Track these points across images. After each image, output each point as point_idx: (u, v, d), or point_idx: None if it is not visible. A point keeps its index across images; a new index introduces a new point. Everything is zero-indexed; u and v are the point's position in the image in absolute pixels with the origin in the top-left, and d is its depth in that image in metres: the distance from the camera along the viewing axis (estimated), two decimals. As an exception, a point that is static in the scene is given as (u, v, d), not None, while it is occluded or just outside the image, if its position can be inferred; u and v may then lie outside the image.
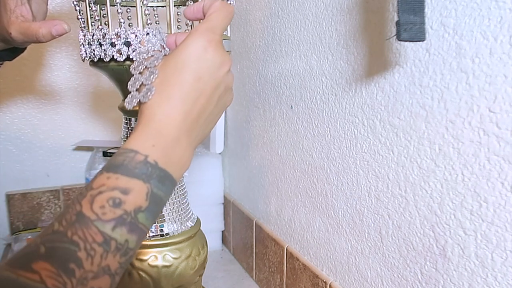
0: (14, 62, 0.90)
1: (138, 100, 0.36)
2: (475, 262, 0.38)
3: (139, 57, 0.39)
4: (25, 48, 0.58)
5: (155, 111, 0.35)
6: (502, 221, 0.35)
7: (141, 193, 0.32)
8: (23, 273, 0.28)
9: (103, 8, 0.58)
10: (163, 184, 0.34)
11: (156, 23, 0.61)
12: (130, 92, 0.37)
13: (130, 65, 0.49)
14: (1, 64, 0.60)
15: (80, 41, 0.53)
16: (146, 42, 0.46)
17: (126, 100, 0.37)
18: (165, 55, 0.39)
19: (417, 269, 0.44)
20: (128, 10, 0.58)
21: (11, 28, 0.49)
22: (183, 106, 0.36)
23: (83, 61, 0.54)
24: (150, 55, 0.38)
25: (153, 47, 0.45)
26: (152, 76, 0.36)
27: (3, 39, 0.52)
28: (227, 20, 0.39)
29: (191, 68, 0.36)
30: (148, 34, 0.47)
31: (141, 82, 0.36)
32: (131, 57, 0.48)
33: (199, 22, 0.43)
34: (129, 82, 0.38)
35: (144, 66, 0.37)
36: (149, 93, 0.35)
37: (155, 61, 0.37)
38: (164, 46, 0.45)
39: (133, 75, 0.38)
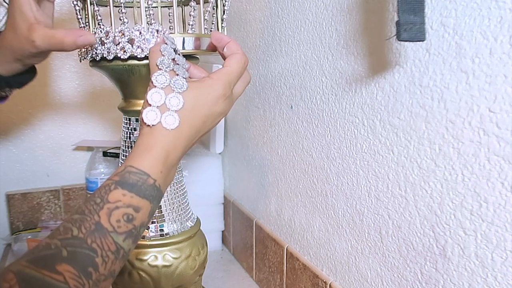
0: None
1: (159, 121, 0.40)
2: (475, 262, 0.38)
3: (162, 65, 0.42)
4: (35, 74, 0.58)
5: (167, 138, 0.40)
6: (502, 221, 0.35)
7: (147, 211, 0.38)
8: (48, 273, 0.31)
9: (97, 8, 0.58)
10: (158, 203, 0.40)
11: (159, 22, 0.61)
12: (148, 103, 0.40)
13: (130, 65, 0.50)
14: (10, 92, 0.58)
15: None
16: (165, 40, 0.46)
17: (145, 113, 0.40)
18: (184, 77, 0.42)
19: (417, 269, 0.44)
20: (124, 11, 0.58)
21: (34, 36, 0.47)
22: (187, 142, 0.42)
23: (80, 61, 0.54)
24: (173, 69, 0.42)
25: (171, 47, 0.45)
26: (178, 104, 0.41)
27: (19, 56, 0.50)
28: (243, 71, 0.46)
29: (202, 114, 0.42)
30: (158, 31, 0.48)
31: (163, 102, 0.40)
32: (135, 54, 0.48)
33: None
34: (150, 92, 0.41)
35: (168, 84, 0.41)
36: (174, 122, 0.40)
37: (183, 87, 0.41)
38: (176, 50, 0.46)
39: (154, 84, 0.41)
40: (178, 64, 0.44)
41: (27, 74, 0.56)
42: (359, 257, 0.53)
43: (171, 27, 0.51)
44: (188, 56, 0.51)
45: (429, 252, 0.42)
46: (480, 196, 0.37)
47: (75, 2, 0.51)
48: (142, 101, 0.55)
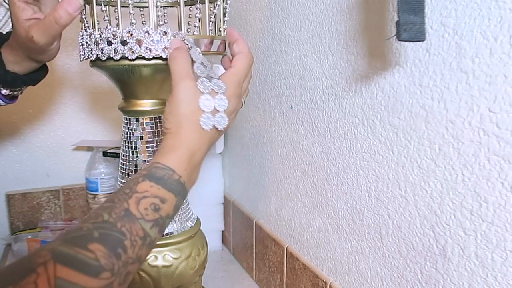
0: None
1: (214, 124, 0.44)
2: (475, 262, 0.38)
3: (198, 70, 0.44)
4: (47, 71, 0.59)
5: (192, 140, 0.43)
6: (502, 221, 0.35)
7: (172, 204, 0.40)
8: (81, 250, 0.33)
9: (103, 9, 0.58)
10: (183, 199, 0.43)
11: (165, 22, 0.62)
12: (202, 110, 0.43)
13: (130, 65, 0.50)
14: (21, 92, 0.60)
15: (80, 41, 0.53)
16: (187, 44, 0.48)
17: (202, 120, 0.43)
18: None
19: (417, 269, 0.44)
20: (132, 12, 0.58)
21: (32, 32, 0.48)
22: (210, 142, 0.46)
23: (81, 61, 0.54)
24: (208, 73, 0.45)
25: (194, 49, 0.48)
26: (224, 105, 0.44)
27: (29, 54, 0.52)
28: (249, 69, 0.49)
29: (228, 112, 0.45)
30: (166, 33, 0.48)
31: (213, 107, 0.44)
32: (143, 55, 0.48)
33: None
34: (201, 99, 0.43)
35: (211, 88, 0.44)
36: (225, 123, 0.44)
37: (223, 87, 0.45)
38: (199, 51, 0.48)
39: (202, 91, 0.44)
40: (206, 66, 0.46)
41: (41, 71, 0.58)
42: (359, 257, 0.53)
43: (185, 29, 0.51)
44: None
45: (429, 252, 0.42)
46: (480, 196, 0.37)
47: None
48: (142, 101, 0.55)
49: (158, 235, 0.39)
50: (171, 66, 0.45)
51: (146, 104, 0.55)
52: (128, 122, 0.56)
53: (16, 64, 0.54)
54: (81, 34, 0.52)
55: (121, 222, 0.36)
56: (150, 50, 0.48)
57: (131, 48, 0.48)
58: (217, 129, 0.44)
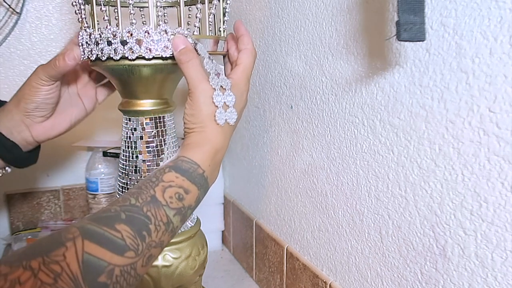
0: (14, 63, 0.90)
1: (225, 119, 0.46)
2: (475, 262, 0.38)
3: (208, 66, 0.46)
4: (37, 159, 0.62)
5: (216, 138, 0.46)
6: (502, 221, 0.35)
7: (195, 196, 0.43)
8: (108, 229, 0.35)
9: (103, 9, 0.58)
10: (205, 193, 0.45)
11: (165, 22, 0.62)
12: (216, 105, 0.45)
13: (130, 65, 0.50)
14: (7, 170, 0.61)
15: (80, 42, 0.53)
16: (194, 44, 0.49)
17: (217, 115, 0.45)
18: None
19: (417, 269, 0.44)
20: (133, 12, 0.58)
21: (38, 68, 0.55)
22: (229, 140, 0.48)
23: (81, 61, 0.54)
24: (216, 70, 0.47)
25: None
26: (232, 100, 0.46)
27: (26, 109, 0.55)
28: (254, 63, 0.51)
29: (238, 107, 0.48)
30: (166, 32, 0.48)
31: (223, 102, 0.46)
32: (143, 55, 0.48)
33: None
34: (214, 94, 0.45)
35: (221, 84, 0.46)
36: (235, 118, 0.47)
37: (229, 84, 0.46)
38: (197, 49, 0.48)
39: (213, 87, 0.45)
40: (213, 61, 0.47)
41: (31, 155, 0.60)
42: (359, 257, 0.53)
43: (187, 28, 0.51)
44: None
45: (429, 252, 0.42)
46: (480, 196, 0.37)
47: (75, 2, 0.51)
48: (142, 101, 0.55)
49: (180, 224, 0.42)
50: (186, 71, 0.46)
51: (146, 104, 0.55)
52: (128, 122, 0.56)
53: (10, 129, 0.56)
54: (81, 34, 0.52)
55: (147, 207, 0.38)
56: (150, 50, 0.48)
57: (131, 48, 0.48)
58: (228, 123, 0.46)
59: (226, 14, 0.54)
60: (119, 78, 0.53)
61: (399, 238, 0.46)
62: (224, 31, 0.55)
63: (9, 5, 0.85)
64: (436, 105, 0.40)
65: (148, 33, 0.48)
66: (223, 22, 0.55)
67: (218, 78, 0.46)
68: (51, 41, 0.90)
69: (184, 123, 0.47)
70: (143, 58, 0.48)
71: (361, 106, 0.50)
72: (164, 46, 0.48)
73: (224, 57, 0.55)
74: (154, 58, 0.49)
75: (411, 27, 0.35)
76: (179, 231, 0.57)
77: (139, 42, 0.48)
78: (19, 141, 0.56)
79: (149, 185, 0.41)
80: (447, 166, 0.39)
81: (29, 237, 0.88)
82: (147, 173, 0.54)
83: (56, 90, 0.55)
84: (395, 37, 0.35)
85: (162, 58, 0.49)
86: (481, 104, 0.36)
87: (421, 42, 0.40)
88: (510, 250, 0.35)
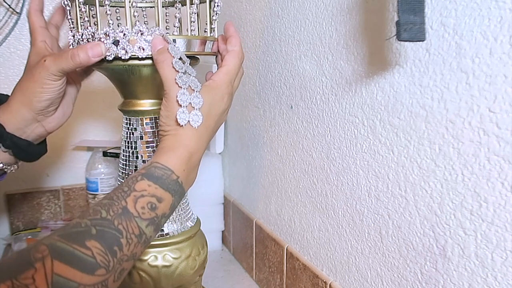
0: (14, 63, 0.90)
1: (188, 120, 0.44)
2: (475, 262, 0.38)
3: (177, 65, 0.44)
4: (45, 151, 0.59)
5: (190, 142, 0.44)
6: (502, 221, 0.35)
7: (168, 203, 0.41)
8: (78, 247, 0.34)
9: (92, 9, 0.58)
10: (180, 199, 0.44)
11: (145, 23, 0.61)
12: (179, 104, 0.43)
13: (130, 65, 0.50)
14: (10, 169, 0.59)
15: (69, 41, 0.53)
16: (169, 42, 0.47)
17: (178, 114, 0.43)
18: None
19: (417, 269, 0.44)
20: (117, 11, 0.58)
21: (46, 57, 0.50)
22: (206, 143, 0.47)
23: None
24: (186, 70, 0.45)
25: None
26: (200, 102, 0.44)
27: (33, 102, 0.52)
28: (240, 66, 0.50)
29: (214, 114, 0.46)
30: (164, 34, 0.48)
31: (189, 103, 0.44)
32: (136, 55, 0.48)
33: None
34: (178, 93, 0.43)
35: (189, 84, 0.44)
36: (199, 120, 0.44)
37: (199, 86, 0.45)
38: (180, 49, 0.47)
39: (180, 85, 0.44)
40: (185, 62, 0.46)
41: (42, 147, 0.58)
42: (359, 257, 0.53)
43: (166, 28, 0.51)
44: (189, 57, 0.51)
45: (429, 252, 0.42)
46: (480, 196, 0.37)
47: (66, 2, 0.51)
48: (142, 101, 0.55)
49: (154, 234, 0.40)
50: (161, 71, 0.45)
51: (146, 104, 0.55)
52: (128, 122, 0.56)
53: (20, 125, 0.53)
54: (72, 34, 0.52)
55: (118, 220, 0.37)
56: (126, 51, 0.47)
57: (124, 48, 0.48)
58: (191, 126, 0.44)
59: (216, 14, 0.54)
60: (119, 78, 0.53)
61: (399, 238, 0.46)
62: (212, 30, 0.54)
63: (9, 5, 0.85)
64: (436, 105, 0.40)
65: (124, 34, 0.47)
66: (211, 22, 0.54)
67: (188, 78, 0.44)
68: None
69: (160, 125, 0.45)
70: (137, 58, 0.48)
71: (361, 106, 0.50)
72: (140, 47, 0.47)
73: (216, 57, 0.54)
74: (146, 58, 0.48)
75: (411, 27, 0.35)
76: (180, 232, 0.58)
77: (116, 43, 0.47)
78: (33, 138, 0.54)
79: (121, 195, 0.39)
80: (447, 166, 0.39)
81: (29, 237, 0.88)
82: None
83: (65, 81, 0.52)
84: (395, 37, 0.35)
85: (138, 58, 0.48)
86: (481, 104, 0.36)
87: (421, 42, 0.40)
88: (510, 250, 0.35)
